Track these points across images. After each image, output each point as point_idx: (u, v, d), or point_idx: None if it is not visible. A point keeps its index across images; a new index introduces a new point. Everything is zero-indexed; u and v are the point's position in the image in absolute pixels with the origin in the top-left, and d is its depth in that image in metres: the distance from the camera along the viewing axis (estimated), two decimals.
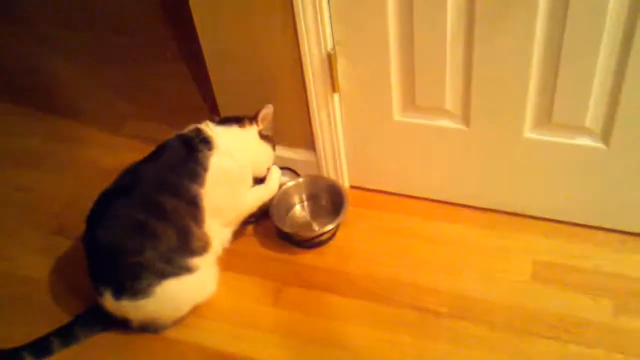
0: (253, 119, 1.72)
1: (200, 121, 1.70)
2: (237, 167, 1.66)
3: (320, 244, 1.82)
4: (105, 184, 1.62)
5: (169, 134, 1.68)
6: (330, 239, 1.83)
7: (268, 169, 1.81)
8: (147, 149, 1.67)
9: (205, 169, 1.59)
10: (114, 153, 2.20)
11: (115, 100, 2.47)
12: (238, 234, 1.79)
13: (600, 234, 1.73)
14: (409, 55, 1.60)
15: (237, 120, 1.72)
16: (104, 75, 2.61)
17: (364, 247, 1.81)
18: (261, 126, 1.73)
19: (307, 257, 1.80)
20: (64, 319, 1.66)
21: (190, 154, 1.60)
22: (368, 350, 1.56)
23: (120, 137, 2.29)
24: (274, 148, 1.77)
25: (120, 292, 1.53)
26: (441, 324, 1.59)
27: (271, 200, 1.83)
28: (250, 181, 1.73)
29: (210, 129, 1.66)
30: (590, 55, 1.43)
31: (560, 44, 1.43)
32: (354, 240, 1.83)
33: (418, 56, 1.59)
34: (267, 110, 1.72)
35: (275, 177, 1.82)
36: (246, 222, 1.86)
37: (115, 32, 2.86)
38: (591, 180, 1.66)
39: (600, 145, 1.58)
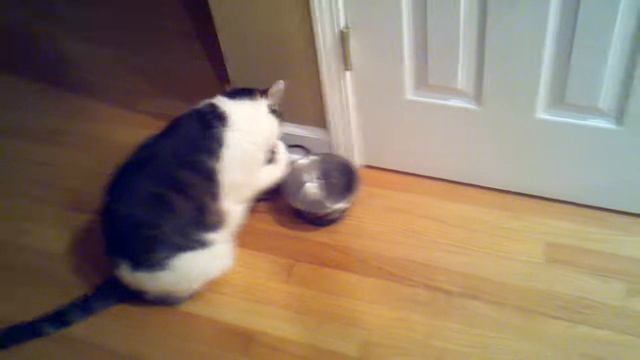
0: (264, 92, 1.73)
1: (214, 96, 1.71)
2: (251, 143, 1.67)
3: (333, 221, 1.83)
4: (118, 159, 1.64)
5: (183, 110, 1.69)
6: (342, 217, 1.85)
7: (273, 151, 1.81)
8: (161, 125, 1.68)
9: (221, 145, 1.60)
10: (129, 130, 2.21)
11: (131, 78, 2.48)
12: (252, 211, 1.81)
13: (613, 216, 1.73)
14: (422, 34, 1.60)
15: (249, 92, 1.72)
16: (120, 53, 2.62)
17: (376, 226, 1.82)
18: (271, 100, 1.74)
19: (320, 235, 1.81)
20: (81, 291, 1.70)
21: (206, 130, 1.61)
22: (379, 328, 1.58)
23: (135, 113, 2.30)
24: (281, 123, 1.78)
25: (136, 264, 1.55)
26: (452, 303, 1.61)
27: (284, 177, 1.85)
28: (262, 157, 1.74)
29: (223, 103, 1.67)
30: (605, 35, 1.42)
31: (574, 23, 1.43)
32: (366, 219, 1.84)
33: (431, 35, 1.59)
34: (279, 86, 1.73)
35: (284, 154, 1.83)
36: (260, 199, 1.87)
37: (131, 11, 2.87)
38: (604, 161, 1.66)
39: (613, 126, 1.58)
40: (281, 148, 1.83)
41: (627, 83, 1.49)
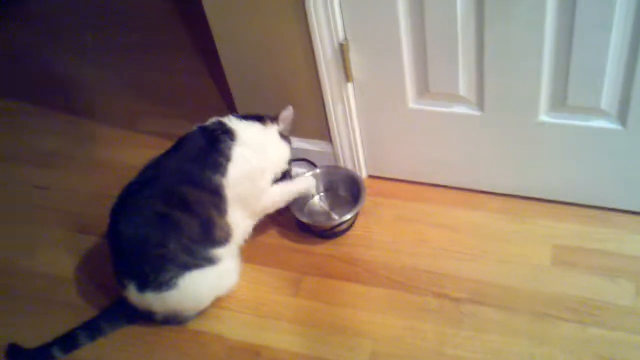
0: (274, 119, 1.75)
1: (218, 115, 1.71)
2: (257, 159, 1.67)
3: (339, 233, 1.83)
4: (123, 181, 1.64)
5: (186, 129, 1.69)
6: (349, 228, 1.84)
7: (288, 172, 1.82)
8: (165, 145, 1.68)
9: (227, 159, 1.61)
10: (131, 150, 2.23)
11: (131, 98, 2.50)
12: (258, 226, 1.80)
13: (619, 215, 1.72)
14: (421, 43, 1.60)
15: (258, 118, 1.74)
16: (119, 73, 2.64)
17: (383, 236, 1.81)
18: (281, 126, 1.75)
19: (327, 247, 1.81)
20: (89, 314, 1.70)
21: (212, 145, 1.61)
22: (388, 338, 1.57)
23: (136, 133, 2.31)
24: (291, 148, 1.79)
25: (144, 284, 1.55)
26: (462, 309, 1.60)
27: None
28: (269, 174, 1.74)
29: (232, 122, 1.68)
30: (603, 35, 1.42)
31: (572, 25, 1.43)
32: (373, 229, 1.84)
33: (430, 43, 1.59)
34: (288, 112, 1.75)
35: (305, 180, 1.85)
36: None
37: (130, 30, 2.89)
38: (608, 162, 1.65)
39: (616, 126, 1.57)
40: (307, 177, 1.87)
41: (629, 83, 1.48)
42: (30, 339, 1.66)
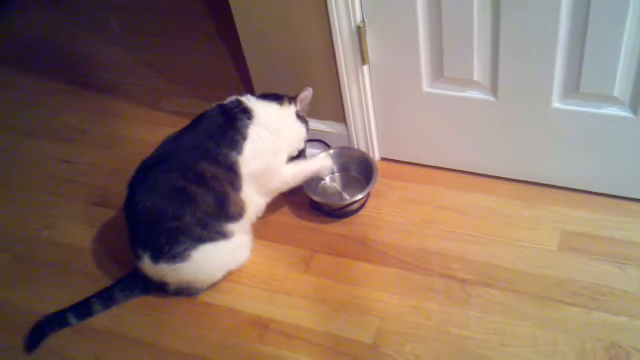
0: (293, 99, 1.77)
1: (238, 95, 1.74)
2: (273, 140, 1.70)
3: (351, 213, 1.86)
4: (143, 157, 1.68)
5: (206, 109, 1.72)
6: (360, 209, 1.87)
7: (302, 152, 1.84)
8: (185, 124, 1.71)
9: (244, 138, 1.64)
10: (152, 128, 2.27)
11: (153, 78, 2.54)
12: (271, 204, 1.83)
13: (629, 204, 1.73)
14: (437, 27, 1.62)
15: (277, 98, 1.76)
16: (143, 54, 2.68)
17: (394, 217, 1.84)
18: (299, 107, 1.78)
19: (338, 227, 1.84)
20: (105, 283, 1.75)
21: (229, 123, 1.65)
22: (396, 317, 1.60)
23: (158, 112, 2.36)
24: (308, 129, 1.82)
25: (158, 256, 1.59)
26: (468, 291, 1.62)
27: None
28: (285, 154, 1.77)
29: (250, 101, 1.71)
30: (618, 24, 1.43)
31: (587, 13, 1.43)
32: (384, 211, 1.86)
33: (446, 28, 1.60)
34: (307, 93, 1.78)
35: (320, 160, 1.86)
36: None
37: (153, 12, 2.93)
38: (620, 150, 1.65)
39: (629, 114, 1.57)
40: (324, 156, 1.88)
41: None
42: (48, 306, 1.72)
